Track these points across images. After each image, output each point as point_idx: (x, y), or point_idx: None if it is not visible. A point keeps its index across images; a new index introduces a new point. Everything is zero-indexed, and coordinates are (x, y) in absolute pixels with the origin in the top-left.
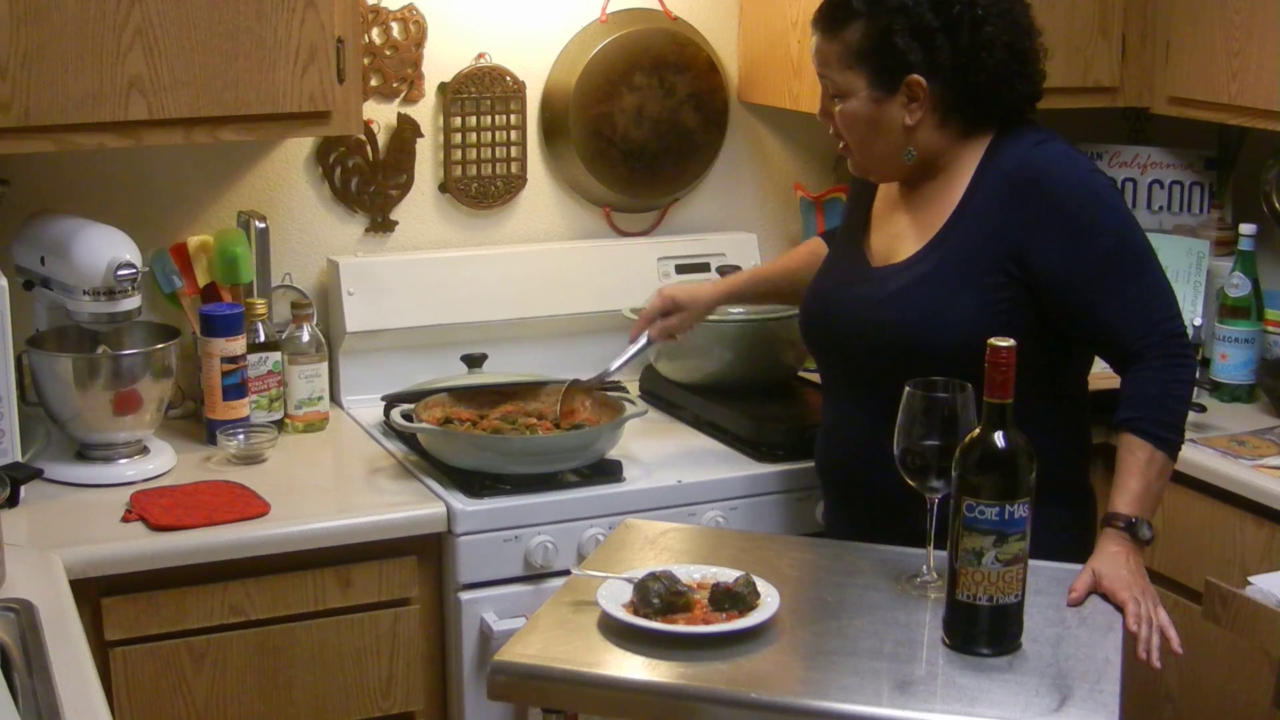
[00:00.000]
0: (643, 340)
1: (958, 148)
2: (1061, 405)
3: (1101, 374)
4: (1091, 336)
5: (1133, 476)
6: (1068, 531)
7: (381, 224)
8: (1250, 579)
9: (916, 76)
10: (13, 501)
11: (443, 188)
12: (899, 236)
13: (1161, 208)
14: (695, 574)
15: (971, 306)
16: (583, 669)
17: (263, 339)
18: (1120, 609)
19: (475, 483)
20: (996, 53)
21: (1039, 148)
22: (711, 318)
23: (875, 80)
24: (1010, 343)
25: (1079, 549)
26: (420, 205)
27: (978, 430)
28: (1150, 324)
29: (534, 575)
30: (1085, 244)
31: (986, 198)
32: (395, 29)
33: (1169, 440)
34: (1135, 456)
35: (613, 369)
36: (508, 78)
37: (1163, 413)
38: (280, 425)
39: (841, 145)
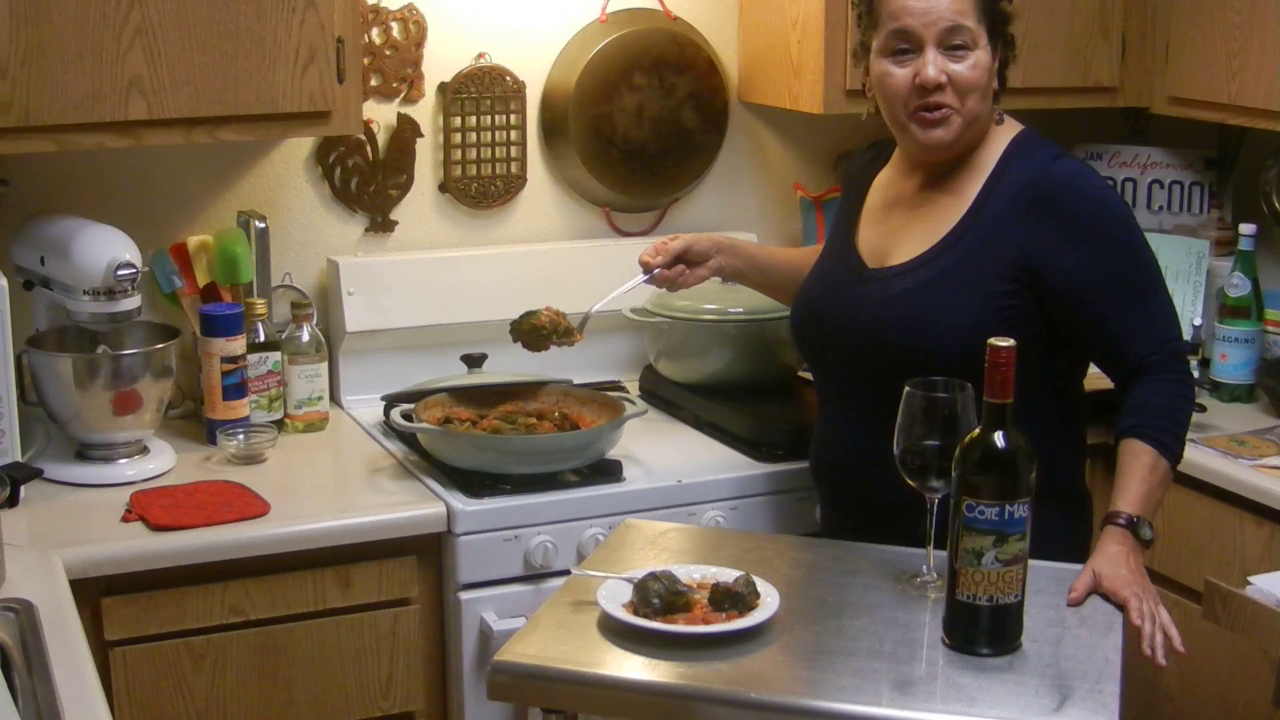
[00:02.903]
0: (642, 276)
1: (983, 138)
2: (1059, 409)
3: (1098, 374)
4: (1099, 349)
5: (1136, 479)
6: (1063, 535)
7: (381, 224)
8: (1250, 579)
9: (1011, 34)
10: (13, 501)
11: (443, 188)
12: (896, 235)
13: (1161, 208)
14: (695, 574)
15: (976, 312)
16: (583, 669)
17: (263, 339)
18: (1122, 607)
19: (475, 483)
20: (1013, 28)
21: (1056, 162)
22: (710, 318)
23: (991, 35)
24: (1010, 343)
25: (1074, 552)
26: (420, 205)
27: (978, 430)
28: (1159, 341)
29: (534, 575)
30: (1101, 258)
31: (1001, 206)
32: (395, 29)
33: (1173, 450)
34: (1140, 460)
35: (610, 298)
36: (508, 78)
37: (1169, 423)
38: (280, 425)
39: (940, 111)
